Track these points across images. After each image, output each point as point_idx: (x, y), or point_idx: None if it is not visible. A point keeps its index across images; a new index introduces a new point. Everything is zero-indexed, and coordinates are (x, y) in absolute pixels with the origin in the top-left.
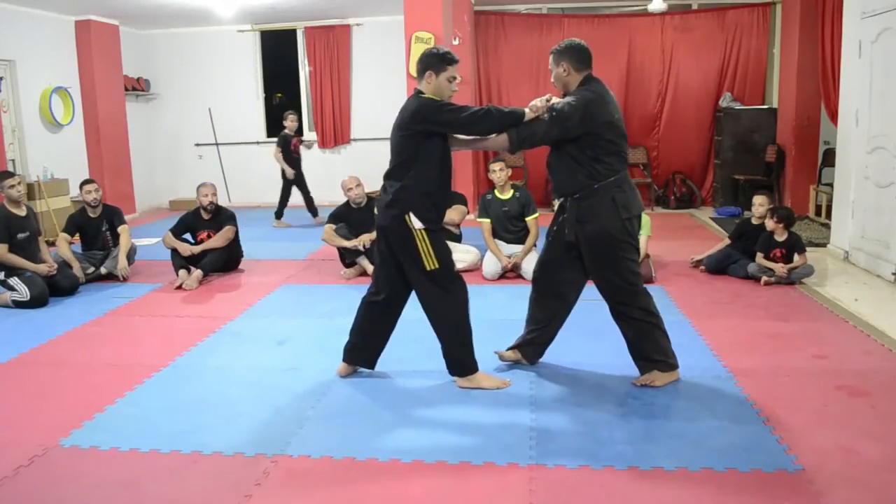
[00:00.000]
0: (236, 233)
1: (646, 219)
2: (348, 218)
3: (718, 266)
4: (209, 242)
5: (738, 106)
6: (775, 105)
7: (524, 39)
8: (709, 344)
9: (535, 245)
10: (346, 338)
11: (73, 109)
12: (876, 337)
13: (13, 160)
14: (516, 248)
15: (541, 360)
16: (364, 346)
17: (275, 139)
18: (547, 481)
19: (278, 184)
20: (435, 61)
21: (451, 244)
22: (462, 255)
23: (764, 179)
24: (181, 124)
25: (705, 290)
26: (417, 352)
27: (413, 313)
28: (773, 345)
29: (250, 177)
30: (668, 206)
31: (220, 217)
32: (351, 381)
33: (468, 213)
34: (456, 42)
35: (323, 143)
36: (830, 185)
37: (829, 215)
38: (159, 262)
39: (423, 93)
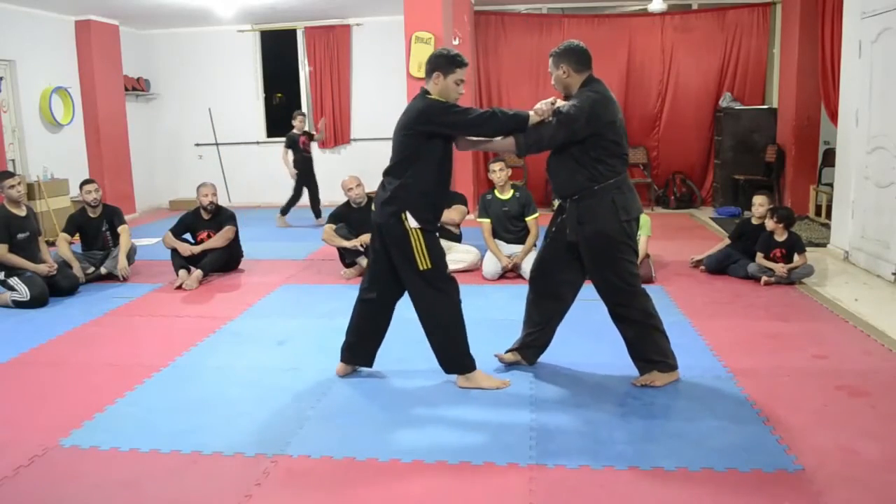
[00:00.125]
0: (236, 233)
1: (646, 219)
2: (348, 218)
3: (718, 266)
4: (209, 242)
5: (738, 106)
6: (775, 105)
7: (524, 39)
8: (709, 344)
9: (535, 245)
10: (344, 337)
11: (73, 109)
12: (876, 337)
13: (13, 160)
14: (516, 248)
15: (540, 360)
16: (360, 345)
17: (275, 139)
18: (547, 481)
19: (278, 184)
20: (444, 63)
21: (451, 244)
22: (462, 255)
23: (764, 179)
24: (181, 124)
25: (705, 290)
26: (417, 352)
27: (413, 313)
28: (773, 345)
29: (250, 177)
30: (668, 206)
31: (220, 217)
32: (351, 381)
33: (468, 213)
34: (456, 42)
35: (323, 143)
36: (830, 185)
37: (829, 215)
38: (159, 262)
39: (429, 93)
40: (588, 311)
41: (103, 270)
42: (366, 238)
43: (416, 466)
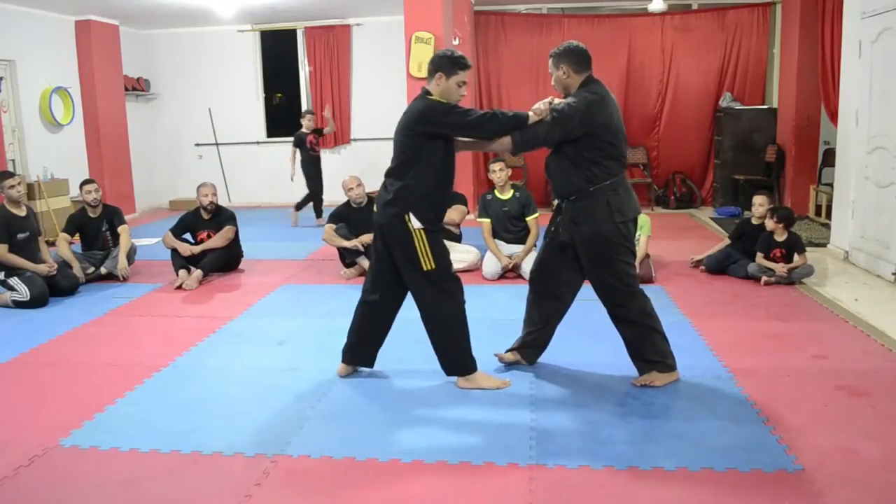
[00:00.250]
0: (236, 233)
1: (646, 219)
2: (349, 218)
3: (718, 266)
4: (209, 242)
5: (738, 106)
6: (775, 105)
7: (524, 39)
8: (709, 344)
9: (535, 245)
10: (345, 338)
11: (73, 109)
12: (876, 337)
13: (13, 160)
14: (516, 248)
15: (540, 359)
16: (362, 346)
17: (275, 139)
18: (547, 481)
19: (278, 184)
20: (447, 64)
21: (450, 244)
22: (462, 255)
23: (764, 179)
24: (181, 124)
25: (705, 290)
26: (417, 352)
27: (413, 314)
28: (773, 345)
29: (250, 177)
30: (668, 206)
31: (220, 217)
32: (351, 381)
33: (468, 213)
34: (456, 42)
35: (323, 143)
36: (830, 185)
37: (829, 215)
38: (159, 262)
39: (430, 94)
40: (588, 311)
41: (103, 270)
42: (366, 238)
43: (416, 466)
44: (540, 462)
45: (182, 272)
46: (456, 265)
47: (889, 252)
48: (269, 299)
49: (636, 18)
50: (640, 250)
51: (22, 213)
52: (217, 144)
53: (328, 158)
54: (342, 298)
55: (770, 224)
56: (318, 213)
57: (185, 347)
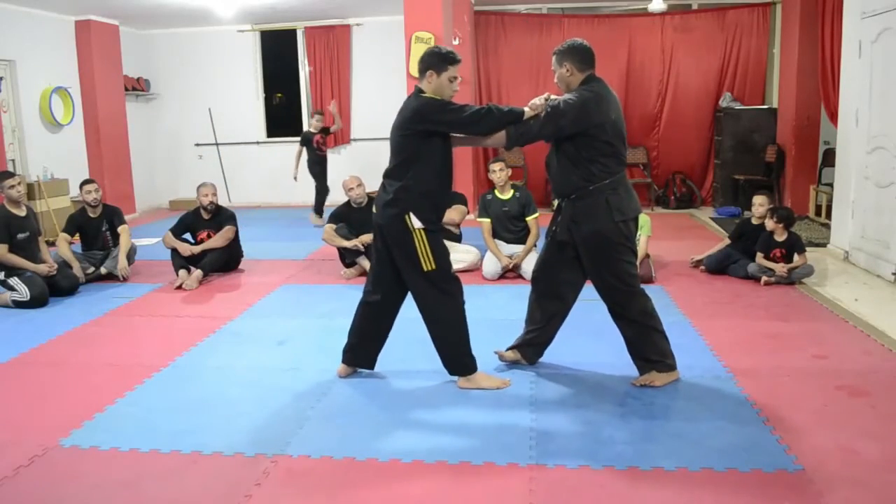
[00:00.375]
0: (236, 233)
1: (646, 219)
2: (349, 218)
3: (718, 266)
4: (209, 242)
5: (738, 106)
6: (775, 105)
7: (524, 39)
8: (709, 344)
9: (535, 245)
10: (346, 338)
11: (73, 109)
12: (876, 337)
13: (13, 160)
14: (516, 248)
15: (540, 359)
16: (362, 347)
17: (275, 139)
18: (547, 481)
19: (278, 184)
20: (437, 61)
21: (450, 244)
22: (462, 255)
23: (764, 179)
24: (181, 124)
25: (705, 290)
26: (418, 352)
27: (413, 313)
28: (773, 345)
29: (250, 177)
30: (668, 206)
31: (220, 217)
32: (351, 381)
33: (468, 213)
34: (456, 42)
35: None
36: (830, 185)
37: (829, 215)
38: (159, 262)
39: (423, 92)
40: (588, 310)
41: (103, 270)
42: (366, 238)
43: (415, 466)
44: (540, 462)
45: (182, 272)
46: (456, 265)
47: (889, 252)
48: (269, 299)
49: (636, 18)
50: (641, 250)
51: (22, 213)
52: (217, 144)
53: (328, 158)
54: (342, 298)
55: (770, 224)
56: (319, 213)
57: (185, 347)
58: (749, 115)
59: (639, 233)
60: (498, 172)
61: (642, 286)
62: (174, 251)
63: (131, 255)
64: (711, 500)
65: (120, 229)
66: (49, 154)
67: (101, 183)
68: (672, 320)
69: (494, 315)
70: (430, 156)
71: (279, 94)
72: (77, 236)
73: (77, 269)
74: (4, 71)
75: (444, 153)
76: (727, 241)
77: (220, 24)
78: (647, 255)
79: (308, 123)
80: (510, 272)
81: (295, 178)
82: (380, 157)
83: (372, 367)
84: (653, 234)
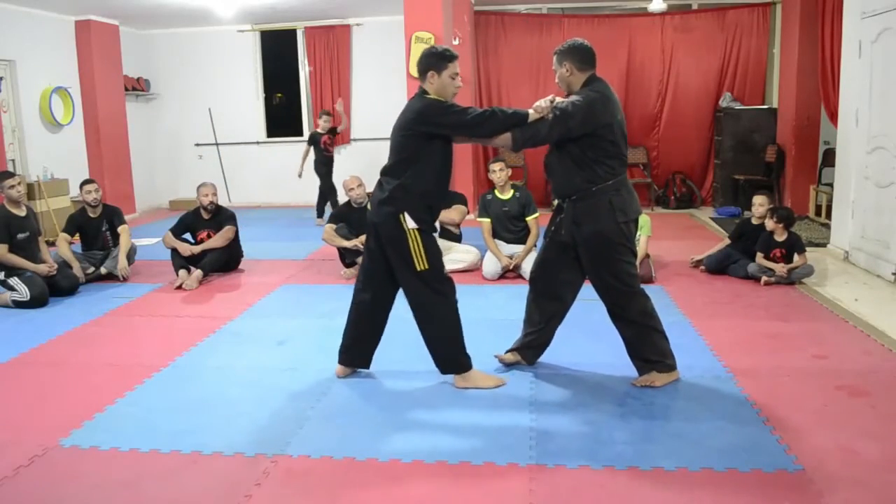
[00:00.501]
0: (236, 233)
1: (646, 219)
2: (349, 218)
3: (718, 266)
4: (209, 242)
5: (738, 106)
6: (775, 105)
7: (524, 39)
8: (709, 344)
9: (535, 245)
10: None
11: (73, 109)
12: (876, 337)
13: (13, 160)
14: (516, 248)
15: (540, 360)
16: (357, 346)
17: (275, 139)
18: (547, 481)
19: (278, 184)
20: (435, 60)
21: (451, 244)
22: (462, 255)
23: (764, 179)
24: (181, 124)
25: (705, 290)
26: (417, 353)
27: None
28: (773, 345)
29: (250, 177)
30: (668, 206)
31: (220, 217)
32: (351, 381)
33: (468, 212)
34: (456, 42)
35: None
36: (830, 185)
37: (829, 215)
38: (159, 262)
39: (427, 93)
40: (588, 311)
41: (103, 270)
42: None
43: (415, 466)
44: (540, 462)
45: (182, 272)
46: (456, 265)
47: (889, 252)
48: (269, 299)
49: (636, 18)
50: (641, 250)
51: (22, 213)
52: (217, 144)
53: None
54: (342, 298)
55: (770, 224)
56: (320, 213)
57: (185, 347)
58: (749, 115)
59: (639, 233)
60: (498, 172)
61: (642, 286)
62: (174, 251)
63: (131, 255)
64: (711, 500)
65: (120, 229)
66: (49, 154)
67: (101, 183)
68: (672, 320)
69: (494, 315)
70: (430, 157)
71: (279, 94)
72: (77, 236)
73: (77, 269)
74: (4, 71)
75: (444, 155)
76: (727, 241)
77: (220, 24)
78: (647, 255)
79: (309, 124)
80: (510, 272)
81: (300, 175)
82: (380, 157)
83: (367, 366)
84: (653, 234)
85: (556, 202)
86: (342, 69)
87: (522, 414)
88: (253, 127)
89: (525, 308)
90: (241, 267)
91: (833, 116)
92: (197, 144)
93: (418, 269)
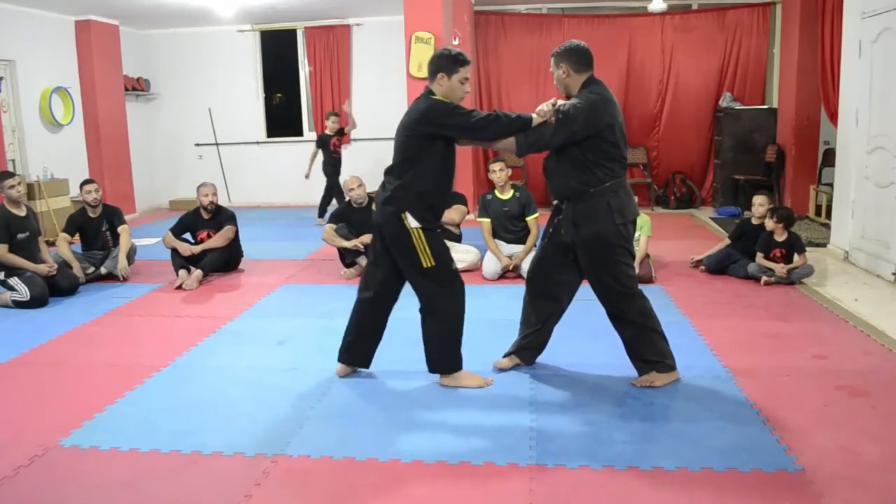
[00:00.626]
0: (236, 233)
1: (645, 219)
2: (349, 218)
3: (718, 266)
4: (209, 242)
5: (738, 106)
6: (775, 105)
7: (524, 39)
8: (709, 344)
9: (535, 245)
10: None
11: (73, 109)
12: (876, 337)
13: (13, 160)
14: (516, 248)
15: (539, 360)
16: (357, 345)
17: (275, 139)
18: (547, 482)
19: (278, 184)
20: (447, 63)
21: (450, 244)
22: (462, 255)
23: (764, 179)
24: (181, 124)
25: (705, 290)
26: (418, 353)
27: (411, 314)
28: (773, 345)
29: (250, 177)
30: (668, 206)
31: (220, 217)
32: (351, 381)
33: (468, 213)
34: (456, 42)
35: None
36: (830, 185)
37: (829, 215)
38: (159, 262)
39: (433, 93)
40: (587, 311)
41: (103, 270)
42: (366, 238)
43: (415, 466)
44: (540, 462)
45: (182, 272)
46: (456, 265)
47: (889, 252)
48: (269, 299)
49: (636, 18)
50: (640, 250)
51: (22, 213)
52: (217, 144)
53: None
54: (342, 298)
55: (770, 224)
56: (322, 213)
57: (185, 347)
58: (749, 115)
59: (638, 233)
60: (498, 172)
61: (641, 286)
62: (174, 251)
63: (131, 255)
64: (711, 500)
65: (120, 229)
66: (49, 154)
67: (101, 183)
68: (672, 320)
69: (494, 315)
70: (433, 157)
71: (279, 94)
72: (77, 236)
73: (77, 269)
74: (4, 71)
75: (447, 155)
76: (727, 241)
77: (220, 24)
78: (647, 255)
79: (309, 124)
80: (510, 272)
81: (307, 177)
82: (380, 156)
83: (368, 365)
84: (653, 234)
85: (555, 202)
86: (342, 69)
87: (522, 414)
88: (253, 127)
89: (521, 309)
90: (241, 267)
91: (833, 116)
92: (197, 144)
93: (425, 266)
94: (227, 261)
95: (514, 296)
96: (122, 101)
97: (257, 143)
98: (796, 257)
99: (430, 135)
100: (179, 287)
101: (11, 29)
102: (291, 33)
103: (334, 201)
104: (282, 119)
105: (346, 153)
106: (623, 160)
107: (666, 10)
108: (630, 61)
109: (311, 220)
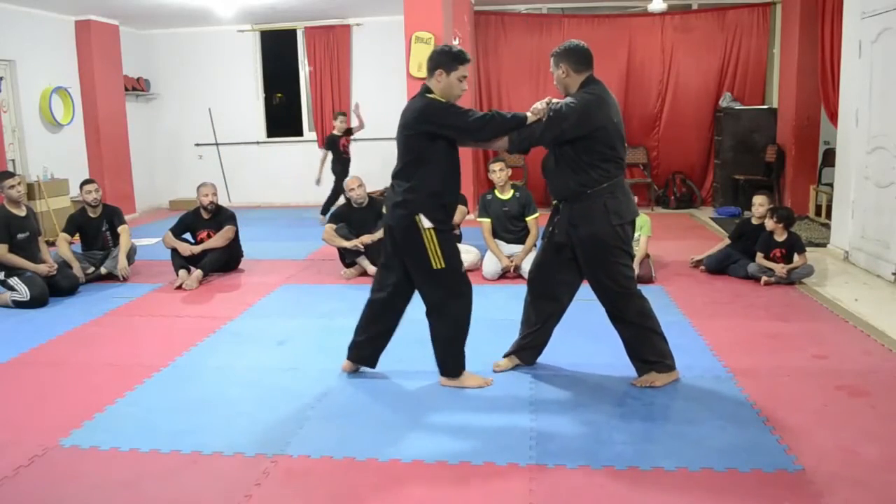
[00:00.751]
0: (236, 233)
1: (645, 219)
2: (349, 218)
3: (718, 266)
4: (209, 242)
5: (738, 106)
6: (775, 105)
7: (524, 39)
8: (709, 344)
9: (535, 245)
10: (346, 338)
11: (73, 109)
12: (876, 337)
13: (13, 160)
14: (516, 248)
15: (540, 360)
16: (366, 344)
17: (275, 139)
18: (547, 481)
19: (278, 184)
20: (447, 60)
21: None
22: (462, 255)
23: (764, 179)
24: (181, 124)
25: (705, 290)
26: (418, 352)
27: (414, 314)
28: (773, 345)
29: (250, 177)
30: (668, 206)
31: (220, 217)
32: (351, 381)
33: (468, 213)
34: (456, 42)
35: (322, 144)
36: (830, 185)
37: (829, 215)
38: (159, 262)
39: (430, 91)
40: (587, 311)
41: (103, 270)
42: (366, 238)
43: (415, 466)
44: (540, 462)
45: (182, 272)
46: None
47: (889, 252)
48: (269, 299)
49: (636, 18)
50: (640, 250)
51: (22, 213)
52: (217, 144)
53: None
54: (342, 298)
55: (770, 224)
56: (325, 211)
57: (185, 347)
58: (749, 115)
59: (638, 233)
60: (498, 172)
61: (642, 286)
62: (174, 251)
63: (131, 255)
64: (711, 500)
65: (120, 229)
66: (49, 154)
67: (101, 183)
68: (672, 320)
69: (494, 315)
70: (437, 157)
71: (279, 94)
72: (77, 236)
73: (77, 269)
74: (4, 71)
75: (450, 155)
76: (727, 241)
77: (220, 24)
78: (647, 255)
79: (309, 124)
80: (510, 272)
81: (318, 183)
82: (380, 156)
83: (374, 365)
84: (653, 234)
85: (554, 202)
86: (342, 69)
87: (522, 414)
88: (253, 127)
89: (522, 309)
90: (241, 267)
91: (833, 116)
92: (197, 144)
93: (435, 266)
94: (227, 261)
95: (514, 296)
96: (122, 101)
97: (257, 143)
98: (796, 257)
99: (429, 134)
100: (179, 287)
101: (11, 29)
102: (291, 33)
103: (342, 199)
104: (282, 119)
105: (353, 153)
106: (619, 161)
107: (666, 10)
108: (630, 61)
109: (312, 219)
